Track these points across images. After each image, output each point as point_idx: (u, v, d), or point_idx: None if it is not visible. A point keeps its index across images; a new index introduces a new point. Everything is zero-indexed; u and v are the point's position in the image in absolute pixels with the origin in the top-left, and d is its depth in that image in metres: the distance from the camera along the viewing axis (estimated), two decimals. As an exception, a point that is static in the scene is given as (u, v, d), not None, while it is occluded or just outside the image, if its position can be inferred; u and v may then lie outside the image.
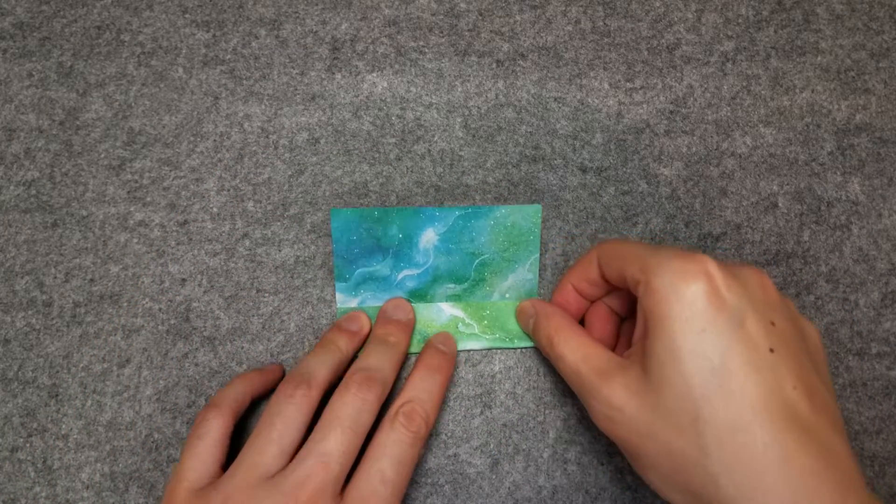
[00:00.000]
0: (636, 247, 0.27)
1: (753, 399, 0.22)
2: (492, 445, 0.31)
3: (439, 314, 0.33)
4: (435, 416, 0.29)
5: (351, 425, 0.26)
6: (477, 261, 0.32)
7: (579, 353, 0.27)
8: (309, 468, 0.25)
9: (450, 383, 0.32)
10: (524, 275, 0.33)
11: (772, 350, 0.22)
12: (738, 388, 0.22)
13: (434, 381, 0.29)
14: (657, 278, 0.24)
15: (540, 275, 0.33)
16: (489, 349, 0.32)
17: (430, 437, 0.31)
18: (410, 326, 0.32)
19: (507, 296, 0.33)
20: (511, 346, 0.32)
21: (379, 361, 0.29)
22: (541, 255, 0.34)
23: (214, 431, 0.28)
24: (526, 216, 0.32)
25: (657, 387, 0.23)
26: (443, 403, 0.32)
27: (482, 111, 0.36)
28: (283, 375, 0.32)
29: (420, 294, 0.33)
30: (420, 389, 0.29)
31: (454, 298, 0.33)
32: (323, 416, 0.27)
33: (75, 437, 0.31)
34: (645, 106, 0.36)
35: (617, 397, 0.24)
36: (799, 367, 0.23)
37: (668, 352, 0.23)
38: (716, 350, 0.22)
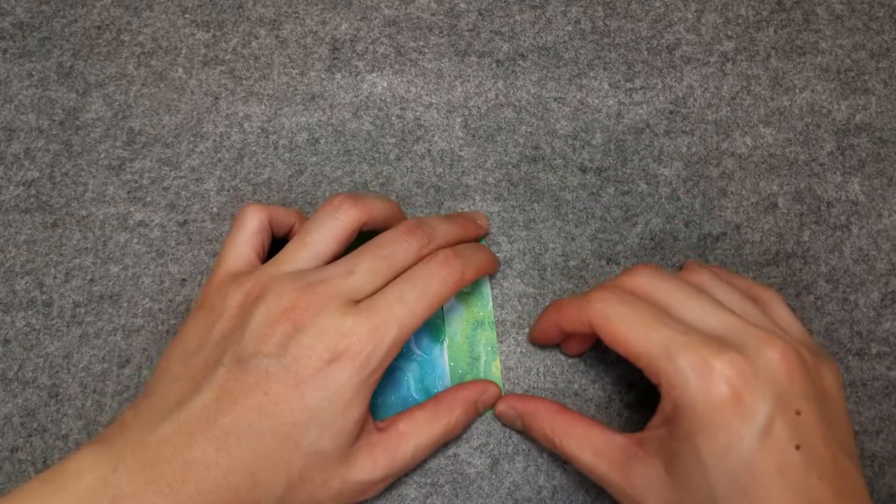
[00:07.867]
0: (649, 324, 0.24)
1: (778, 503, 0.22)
2: (492, 445, 0.31)
3: None
4: (470, 278, 0.28)
5: (387, 256, 0.27)
6: None
7: (589, 449, 0.26)
8: (334, 271, 0.26)
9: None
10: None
11: (798, 447, 0.22)
12: (763, 495, 0.22)
13: (480, 256, 0.29)
14: (679, 380, 0.23)
15: (540, 275, 0.33)
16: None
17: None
18: (483, 229, 0.33)
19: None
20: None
21: (441, 224, 0.29)
22: (540, 255, 0.33)
23: (250, 223, 0.29)
24: None
25: (681, 487, 0.23)
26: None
27: (482, 111, 0.36)
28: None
29: None
30: (465, 250, 0.29)
31: None
32: (364, 244, 0.27)
33: (75, 437, 0.31)
34: (645, 106, 0.36)
35: (638, 491, 0.24)
36: (824, 447, 0.22)
37: (693, 462, 0.23)
38: (741, 463, 0.22)
